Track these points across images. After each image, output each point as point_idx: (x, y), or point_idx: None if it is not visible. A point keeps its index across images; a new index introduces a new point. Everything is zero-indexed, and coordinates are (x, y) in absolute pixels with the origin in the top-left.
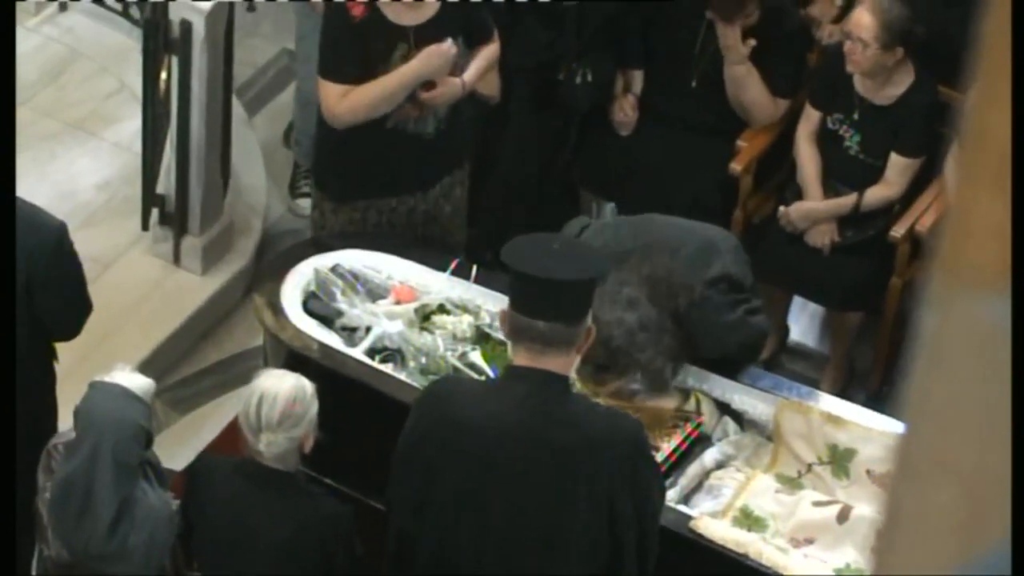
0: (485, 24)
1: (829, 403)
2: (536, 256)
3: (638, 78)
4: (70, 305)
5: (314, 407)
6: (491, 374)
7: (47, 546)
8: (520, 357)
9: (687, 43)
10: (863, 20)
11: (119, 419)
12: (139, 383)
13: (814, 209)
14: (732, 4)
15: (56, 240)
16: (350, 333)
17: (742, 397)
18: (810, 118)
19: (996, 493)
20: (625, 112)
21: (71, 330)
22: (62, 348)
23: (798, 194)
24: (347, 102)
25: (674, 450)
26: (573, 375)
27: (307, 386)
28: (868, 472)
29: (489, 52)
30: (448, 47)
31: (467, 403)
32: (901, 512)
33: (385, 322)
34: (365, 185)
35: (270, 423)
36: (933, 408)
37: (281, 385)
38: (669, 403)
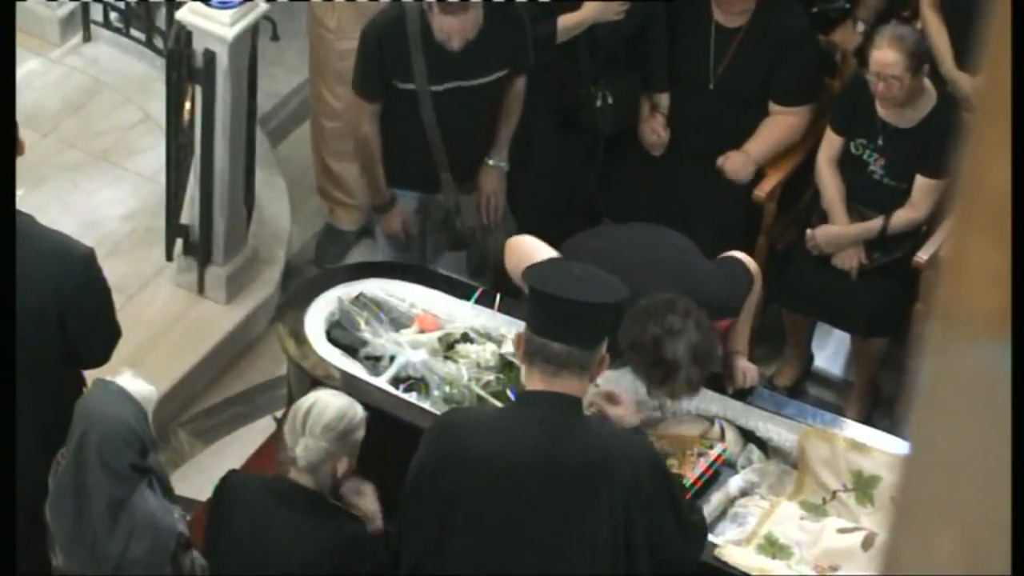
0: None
1: (854, 430)
2: (557, 278)
3: (664, 98)
4: (99, 331)
5: (359, 432)
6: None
7: (55, 556)
8: (533, 381)
9: (700, 47)
10: (888, 58)
11: (108, 415)
12: (138, 387)
13: (841, 234)
14: None
15: (84, 266)
16: (374, 362)
17: (766, 424)
18: (832, 143)
19: (996, 537)
20: (658, 133)
21: (101, 356)
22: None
23: (824, 219)
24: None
25: (699, 477)
26: (587, 399)
27: (359, 411)
28: (893, 499)
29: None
30: None
31: (480, 433)
32: (900, 558)
33: (409, 351)
34: None
35: (313, 429)
36: (932, 454)
37: (335, 400)
38: (693, 430)
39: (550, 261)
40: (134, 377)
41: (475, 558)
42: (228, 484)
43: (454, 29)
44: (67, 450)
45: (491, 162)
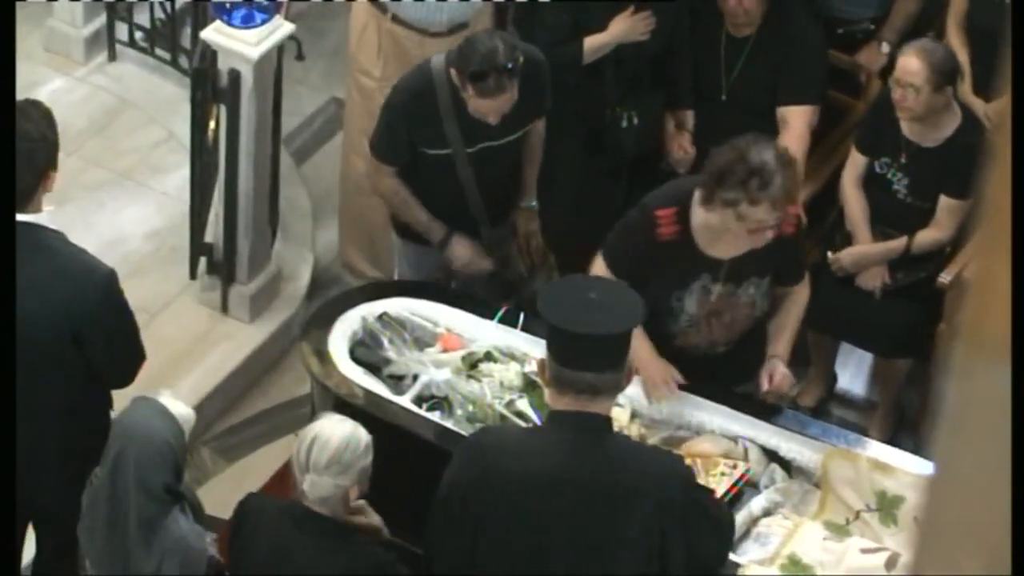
0: (799, 267)
1: (877, 450)
2: (576, 309)
3: (690, 116)
4: (120, 353)
5: (367, 459)
6: (538, 422)
7: (84, 572)
8: (563, 403)
9: (712, 59)
10: (911, 66)
11: (147, 429)
12: (177, 409)
13: (865, 254)
14: None
15: (104, 287)
16: (397, 381)
17: (790, 444)
18: (856, 163)
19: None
20: (685, 150)
21: (122, 379)
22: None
23: (847, 239)
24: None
25: (724, 494)
26: (627, 418)
27: (363, 437)
28: (916, 519)
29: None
30: None
31: (512, 454)
32: None
33: (432, 370)
34: None
35: (317, 465)
36: (956, 477)
37: (337, 430)
38: (716, 449)
39: (563, 287)
40: (174, 398)
41: None
42: (247, 508)
43: (491, 109)
44: (101, 467)
45: (523, 204)
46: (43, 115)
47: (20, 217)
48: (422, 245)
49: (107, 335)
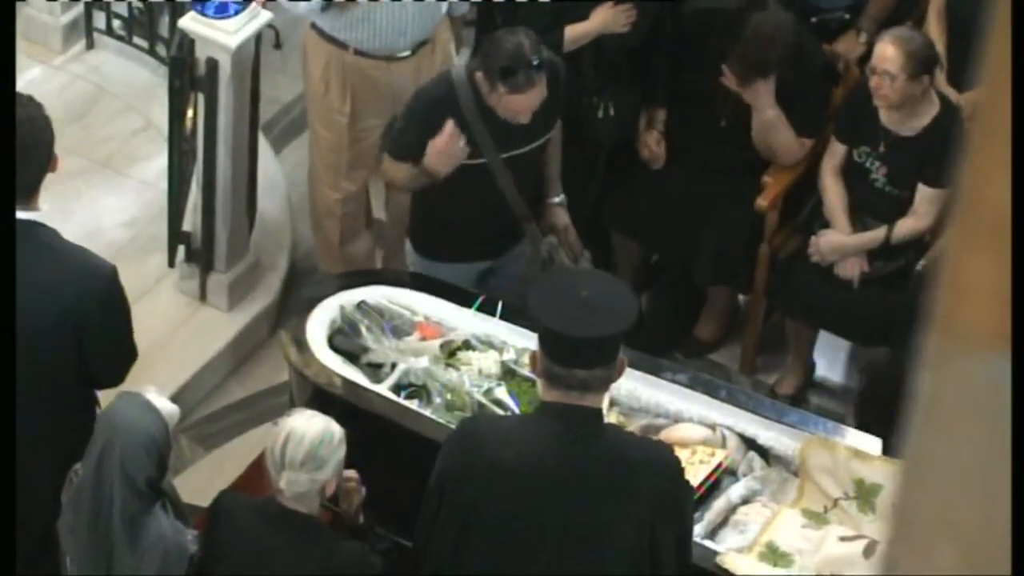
0: None
1: (855, 438)
2: (567, 309)
3: (661, 114)
4: (116, 351)
5: (340, 453)
6: (516, 410)
7: (65, 570)
8: (554, 396)
9: (715, 84)
10: (887, 52)
11: (132, 423)
12: (162, 405)
13: (844, 243)
14: (751, 67)
15: (107, 283)
16: (375, 369)
17: (768, 432)
18: (835, 152)
19: (997, 551)
20: (651, 148)
21: (115, 377)
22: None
23: (826, 228)
24: None
25: (702, 483)
26: (606, 406)
27: (336, 431)
28: (893, 506)
29: None
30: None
31: (502, 443)
32: (898, 568)
33: (411, 358)
34: None
35: (293, 462)
36: (931, 468)
37: (310, 426)
38: (695, 436)
39: (554, 284)
40: (158, 395)
41: (496, 567)
42: (220, 507)
43: (522, 106)
44: (85, 462)
45: (554, 200)
46: (37, 105)
47: (21, 215)
48: (442, 263)
49: (108, 331)
